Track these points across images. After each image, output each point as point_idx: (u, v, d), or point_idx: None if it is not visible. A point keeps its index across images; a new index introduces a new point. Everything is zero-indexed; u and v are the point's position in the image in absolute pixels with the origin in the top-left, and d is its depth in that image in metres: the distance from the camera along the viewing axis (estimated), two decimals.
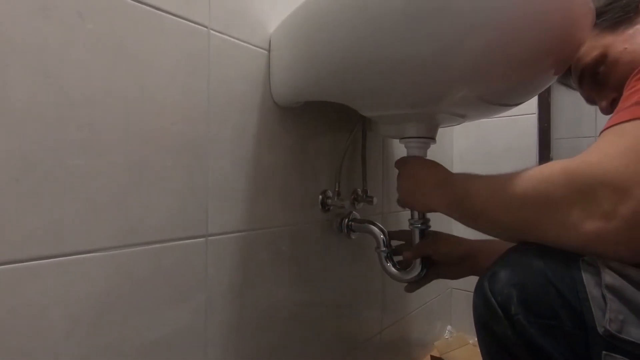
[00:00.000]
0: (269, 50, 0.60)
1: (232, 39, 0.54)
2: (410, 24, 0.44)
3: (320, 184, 0.70)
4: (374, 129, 0.75)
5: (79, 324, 0.40)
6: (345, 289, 0.77)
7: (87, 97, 0.40)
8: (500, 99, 0.56)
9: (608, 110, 0.59)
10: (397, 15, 0.44)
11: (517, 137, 1.08)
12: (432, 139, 0.62)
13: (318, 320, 0.71)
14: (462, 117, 0.60)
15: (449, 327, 1.19)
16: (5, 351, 0.35)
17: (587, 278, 0.36)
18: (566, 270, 0.37)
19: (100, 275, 0.41)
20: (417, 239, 0.62)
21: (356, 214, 0.75)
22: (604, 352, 0.34)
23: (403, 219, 0.92)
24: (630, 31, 0.54)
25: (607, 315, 0.34)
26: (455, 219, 0.50)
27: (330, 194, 0.71)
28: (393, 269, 0.67)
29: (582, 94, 0.64)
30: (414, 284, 0.67)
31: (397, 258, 0.68)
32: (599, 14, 0.53)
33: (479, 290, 0.42)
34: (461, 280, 1.17)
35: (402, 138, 0.63)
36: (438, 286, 1.14)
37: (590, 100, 0.64)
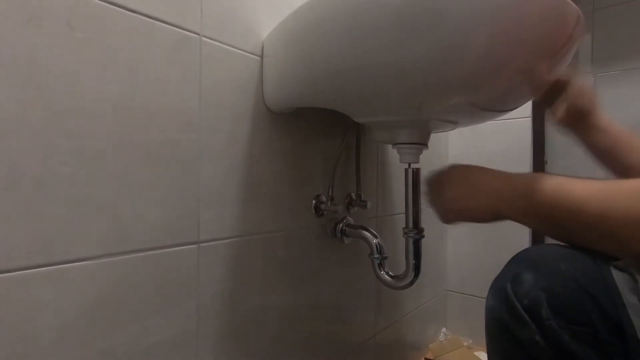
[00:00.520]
0: (261, 57, 0.60)
1: (224, 46, 0.54)
2: (404, 31, 0.44)
3: (314, 188, 0.70)
4: (367, 135, 0.75)
5: (69, 334, 0.40)
6: (339, 293, 0.77)
7: (76, 106, 0.40)
8: (494, 105, 0.56)
9: None
10: (391, 22, 0.44)
11: (511, 141, 1.09)
12: (425, 144, 0.62)
13: (312, 325, 0.71)
14: (454, 124, 0.60)
15: (443, 330, 1.19)
16: None
17: (620, 284, 0.34)
18: (598, 276, 0.35)
19: (90, 284, 0.41)
20: (411, 249, 0.62)
21: (350, 219, 0.75)
22: None
23: (398, 223, 0.93)
24: None
25: None
26: (530, 225, 0.46)
27: (324, 198, 0.72)
28: (386, 276, 0.67)
29: None
30: None
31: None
32: None
33: (498, 293, 0.39)
34: (456, 282, 1.19)
35: (394, 144, 0.63)
36: (433, 288, 1.14)
37: None
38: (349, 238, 0.74)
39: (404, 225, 0.63)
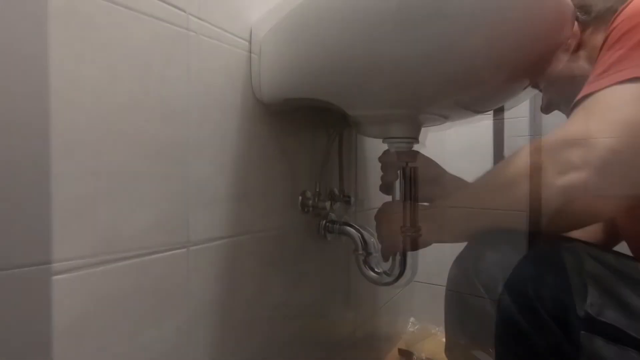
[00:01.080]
0: (249, 41, 0.55)
1: (213, 27, 0.49)
2: (403, 27, 0.43)
3: (300, 185, 0.67)
4: (356, 129, 0.74)
5: (48, 354, 0.33)
6: (324, 291, 0.76)
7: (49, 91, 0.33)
8: (488, 103, 0.57)
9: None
10: (391, 17, 0.43)
11: (474, 140, 1.14)
12: (415, 139, 0.62)
13: (300, 324, 0.68)
14: (445, 118, 0.60)
15: (411, 319, 1.23)
16: None
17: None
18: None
19: (71, 298, 0.35)
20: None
21: (332, 215, 0.74)
22: (582, 332, 0.36)
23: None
24: None
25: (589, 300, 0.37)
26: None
27: (309, 194, 0.69)
28: (371, 272, 0.67)
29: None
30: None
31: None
32: None
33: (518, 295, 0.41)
34: (422, 272, 1.22)
35: (385, 138, 0.62)
36: (400, 280, 1.17)
37: None
38: (331, 235, 0.72)
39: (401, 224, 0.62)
